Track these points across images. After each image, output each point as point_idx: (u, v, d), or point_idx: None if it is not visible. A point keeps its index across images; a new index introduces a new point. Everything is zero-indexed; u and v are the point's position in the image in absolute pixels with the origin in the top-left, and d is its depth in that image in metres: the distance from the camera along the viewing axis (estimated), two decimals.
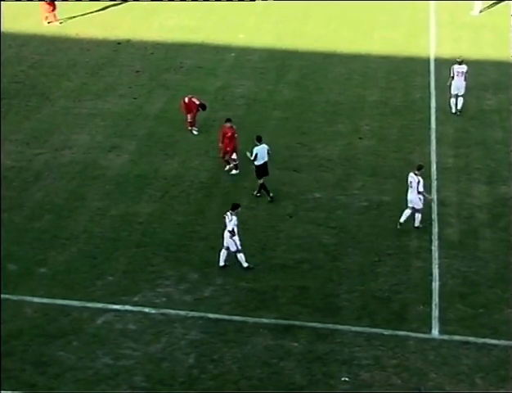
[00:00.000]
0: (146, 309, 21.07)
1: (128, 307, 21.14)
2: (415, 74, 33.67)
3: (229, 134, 26.64)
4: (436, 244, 23.51)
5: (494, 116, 30.50)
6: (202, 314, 20.91)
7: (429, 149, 28.30)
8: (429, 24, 37.75)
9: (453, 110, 30.49)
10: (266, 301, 21.39)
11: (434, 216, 24.71)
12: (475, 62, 34.22)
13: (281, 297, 21.53)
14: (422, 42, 36.19)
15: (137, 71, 34.01)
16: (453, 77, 29.98)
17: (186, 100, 28.88)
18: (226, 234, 22.19)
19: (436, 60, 34.62)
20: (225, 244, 22.26)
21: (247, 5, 40.03)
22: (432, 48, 35.68)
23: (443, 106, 31.04)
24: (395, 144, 28.76)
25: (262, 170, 25.30)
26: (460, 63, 30.01)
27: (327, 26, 37.91)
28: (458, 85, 29.98)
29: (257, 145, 25.15)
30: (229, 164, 26.94)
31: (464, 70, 29.96)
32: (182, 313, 20.97)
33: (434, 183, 26.31)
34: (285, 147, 28.45)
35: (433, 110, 30.80)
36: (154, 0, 39.91)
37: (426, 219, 24.52)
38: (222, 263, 22.40)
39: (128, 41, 36.53)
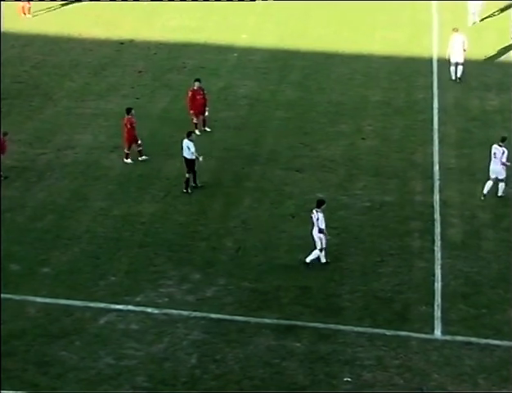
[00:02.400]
0: (149, 309, 21.07)
1: (130, 307, 21.14)
2: (417, 75, 33.66)
3: (129, 125, 27.01)
4: (438, 244, 23.50)
5: (497, 117, 30.48)
6: (204, 314, 20.91)
7: (432, 149, 28.28)
8: (432, 25, 37.72)
9: (453, 78, 32.40)
10: (268, 301, 21.38)
11: (437, 216, 24.69)
12: (478, 63, 34.28)
13: (284, 297, 21.53)
14: (425, 43, 36.17)
15: (140, 71, 34.03)
16: (452, 46, 32.03)
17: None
18: (316, 232, 22.08)
19: (439, 60, 34.58)
20: (318, 245, 22.19)
21: (248, 5, 40.03)
22: (434, 48, 35.65)
23: (446, 107, 31.04)
24: (398, 144, 28.76)
25: (193, 164, 25.59)
26: (457, 31, 32.28)
27: (329, 26, 37.91)
28: (456, 53, 31.99)
29: (190, 140, 25.40)
30: (141, 154, 27.30)
31: (462, 39, 32.09)
32: (185, 313, 20.97)
33: (437, 184, 26.30)
34: (287, 148, 28.45)
35: (435, 111, 30.79)
36: (157, 0, 39.93)
37: (428, 220, 24.52)
38: (323, 260, 22.40)
39: (131, 41, 36.56)
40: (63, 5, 39.77)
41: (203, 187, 25.83)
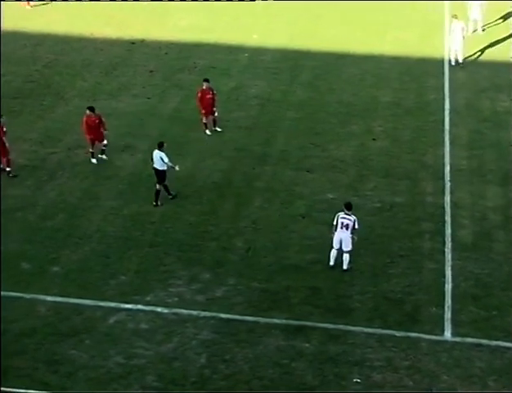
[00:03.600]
0: (158, 309, 21.11)
1: (140, 306, 21.18)
2: (428, 76, 33.59)
3: (95, 122, 27.01)
4: (449, 246, 23.44)
5: (508, 118, 30.38)
6: (214, 314, 20.93)
7: (443, 151, 28.22)
8: (444, 25, 37.63)
9: (453, 63, 33.66)
10: (278, 302, 21.38)
11: (448, 218, 24.63)
12: (490, 63, 34.19)
13: (293, 298, 21.53)
14: (436, 43, 36.06)
15: (151, 71, 34.08)
16: (451, 33, 33.67)
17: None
18: (347, 235, 22.03)
19: (450, 61, 34.50)
20: (346, 247, 22.15)
21: (259, 5, 40.00)
22: (446, 49, 35.54)
23: (457, 108, 30.97)
24: (408, 145, 28.70)
25: (164, 175, 25.01)
26: (457, 18, 33.51)
27: (339, 27, 37.87)
28: (456, 40, 33.36)
29: (161, 150, 24.85)
30: (104, 151, 27.37)
31: (462, 26, 33.46)
32: (194, 313, 20.99)
33: (448, 185, 26.23)
34: (298, 148, 28.44)
35: (446, 112, 30.71)
36: (168, 0, 39.99)
37: (439, 221, 24.47)
38: (345, 266, 22.32)
39: (142, 41, 36.62)
40: None
41: (177, 196, 25.27)
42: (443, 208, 25.06)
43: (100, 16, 38.76)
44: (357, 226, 22.15)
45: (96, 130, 27.18)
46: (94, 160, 27.37)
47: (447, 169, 27.16)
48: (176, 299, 21.43)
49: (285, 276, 22.19)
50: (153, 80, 33.33)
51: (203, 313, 20.95)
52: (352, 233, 22.14)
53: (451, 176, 26.74)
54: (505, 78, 33.19)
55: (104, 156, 27.51)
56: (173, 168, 25.02)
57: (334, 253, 22.37)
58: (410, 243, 23.58)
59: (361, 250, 23.24)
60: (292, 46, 36.05)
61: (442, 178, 26.62)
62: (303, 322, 20.71)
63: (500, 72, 33.58)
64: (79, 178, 26.67)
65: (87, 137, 27.26)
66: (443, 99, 31.66)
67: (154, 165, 25.08)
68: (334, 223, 22.28)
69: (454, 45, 33.84)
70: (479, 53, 35.06)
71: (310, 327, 20.55)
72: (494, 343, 20.05)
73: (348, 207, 22.32)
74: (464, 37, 33.69)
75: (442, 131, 29.45)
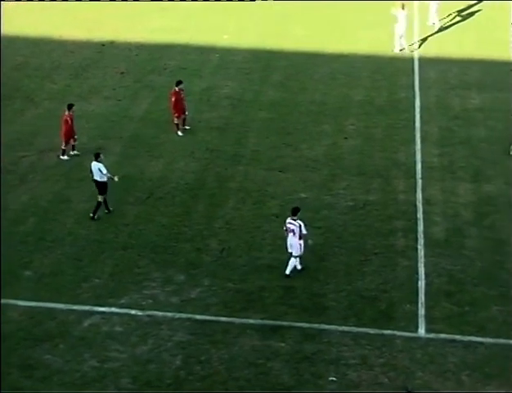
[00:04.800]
0: (133, 311, 21.02)
1: (114, 309, 21.08)
2: (399, 74, 33.77)
3: (70, 122, 27.23)
4: (422, 243, 23.58)
5: (478, 115, 30.64)
6: (189, 316, 20.88)
7: (414, 148, 28.38)
8: (413, 24, 37.85)
9: (396, 50, 34.92)
10: (252, 302, 21.38)
11: (420, 215, 24.77)
12: (459, 61, 34.44)
13: (268, 297, 21.53)
14: (406, 41, 36.24)
15: (122, 73, 33.93)
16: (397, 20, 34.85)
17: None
18: (295, 240, 21.79)
19: (420, 59, 34.73)
20: (294, 253, 21.94)
21: (230, 5, 40.00)
22: (416, 47, 35.78)
23: (428, 106, 31.17)
24: (380, 143, 28.83)
25: (105, 187, 24.53)
26: (403, 8, 34.70)
27: (311, 26, 37.94)
28: (401, 27, 34.86)
29: (98, 161, 24.40)
30: (74, 150, 27.60)
31: (405, 14, 34.88)
32: (169, 314, 20.93)
33: (419, 182, 26.38)
34: (270, 148, 28.47)
35: (417, 110, 30.90)
36: (137, 0, 39.85)
37: (411, 218, 24.59)
38: (288, 272, 22.10)
39: (112, 42, 36.45)
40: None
41: (113, 211, 24.70)
42: (415, 205, 25.20)
43: (69, 18, 38.50)
44: (304, 231, 21.70)
45: (72, 128, 27.42)
46: (66, 157, 27.50)
47: (419, 166, 27.31)
48: (150, 301, 21.35)
49: (259, 276, 22.20)
50: (124, 82, 33.19)
51: (178, 315, 20.89)
52: (300, 238, 21.75)
53: (422, 173, 26.90)
54: (474, 75, 33.47)
55: (76, 151, 27.67)
56: (112, 179, 24.46)
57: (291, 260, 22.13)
58: (383, 241, 23.68)
59: (335, 249, 23.31)
60: (263, 46, 36.06)
61: (414, 175, 26.77)
62: (278, 321, 20.72)
63: (469, 70, 33.86)
64: (51, 181, 26.49)
65: (65, 135, 27.31)
66: (414, 97, 31.85)
67: (94, 177, 24.52)
68: (284, 228, 22.10)
69: (399, 32, 34.99)
70: (448, 51, 35.31)
71: (285, 326, 20.57)
72: (467, 338, 20.20)
73: (294, 212, 21.91)
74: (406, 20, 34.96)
75: (414, 129, 29.61)
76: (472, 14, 38.95)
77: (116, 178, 24.58)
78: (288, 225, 21.93)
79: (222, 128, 29.84)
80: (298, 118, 30.48)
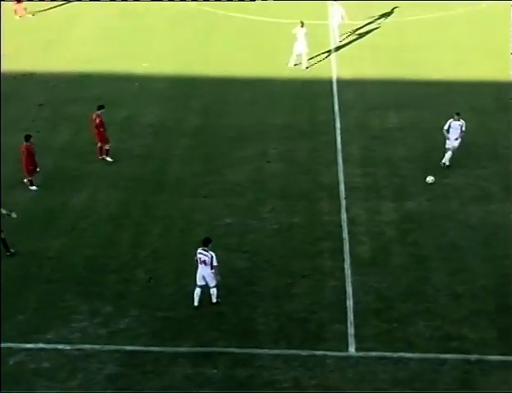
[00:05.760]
0: (60, 346, 20.59)
1: (41, 345, 20.61)
2: (319, 97, 34.21)
3: (26, 152, 27.14)
4: (348, 262, 23.82)
5: (397, 134, 31.24)
6: (118, 347, 20.57)
7: (337, 169, 28.73)
8: (330, 46, 38.48)
9: (290, 64, 36.15)
10: (183, 330, 21.21)
11: (345, 235, 25.04)
12: (376, 82, 35.11)
13: (198, 324, 21.40)
14: (324, 64, 36.81)
15: (40, 104, 33.46)
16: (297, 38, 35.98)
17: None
18: (208, 271, 21.51)
19: (338, 81, 35.28)
20: (210, 283, 21.65)
21: (149, 33, 39.98)
22: (334, 70, 36.36)
23: (348, 127, 31.63)
24: (303, 166, 29.09)
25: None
26: (302, 26, 35.88)
27: (230, 51, 38.18)
28: (301, 44, 35.88)
29: None
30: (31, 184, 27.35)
31: (304, 32, 35.79)
32: (98, 347, 20.58)
33: (343, 203, 26.69)
34: (194, 175, 28.42)
35: (338, 131, 31.33)
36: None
37: (337, 239, 24.83)
38: (214, 300, 21.88)
39: (29, 74, 35.90)
40: None
41: (16, 253, 23.92)
42: (341, 226, 25.47)
43: None
44: (215, 263, 21.42)
45: (33, 158, 27.20)
46: (34, 187, 27.25)
47: (342, 187, 27.65)
48: (78, 334, 20.97)
49: (188, 303, 22.03)
50: (42, 113, 32.72)
51: (107, 347, 20.56)
52: (211, 269, 21.52)
53: (346, 194, 27.23)
54: (392, 95, 34.14)
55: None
56: (9, 215, 23.80)
57: (197, 291, 21.75)
58: (310, 262, 23.83)
59: (263, 273, 23.34)
60: (184, 72, 36.09)
61: (338, 196, 27.07)
62: (209, 348, 20.59)
63: (386, 90, 34.52)
64: None
65: (28, 166, 27.07)
66: (334, 119, 32.29)
67: None
68: (195, 258, 21.83)
69: (297, 50, 35.99)
70: (364, 72, 35.98)
71: (217, 352, 20.45)
72: (397, 355, 20.43)
73: (205, 243, 21.69)
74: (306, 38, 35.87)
75: (335, 150, 29.99)
76: (383, 36, 39.79)
77: (14, 215, 23.99)
78: (199, 255, 21.67)
79: (144, 156, 29.67)
80: (220, 143, 30.54)
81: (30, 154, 27.24)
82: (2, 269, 23.31)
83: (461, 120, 28.23)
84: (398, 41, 39.09)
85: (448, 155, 28.41)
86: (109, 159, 29.09)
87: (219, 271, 21.71)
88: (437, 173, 28.15)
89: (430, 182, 27.16)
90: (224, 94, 34.41)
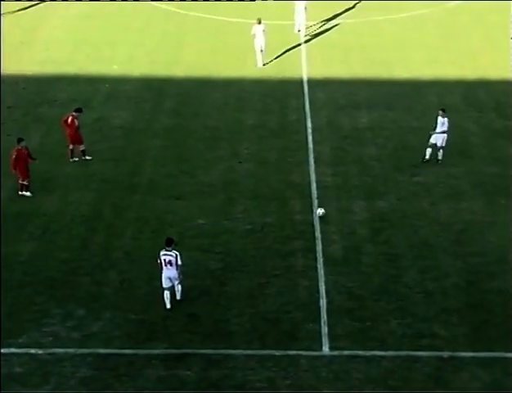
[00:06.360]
0: (33, 350, 20.47)
1: (13, 350, 20.48)
2: (290, 96, 34.30)
3: (26, 154, 26.92)
4: (321, 262, 23.92)
5: (368, 134, 31.40)
6: (91, 350, 20.50)
7: (308, 169, 28.83)
8: (301, 46, 38.58)
9: (259, 65, 36.19)
10: (156, 332, 21.18)
11: (318, 234, 25.14)
12: (347, 82, 35.27)
13: (171, 326, 21.38)
14: (295, 65, 36.90)
15: (9, 107, 33.21)
16: (255, 35, 36.19)
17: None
18: (174, 272, 21.47)
19: (309, 81, 35.39)
20: (179, 281, 21.67)
21: (120, 34, 39.85)
22: (304, 70, 36.46)
23: (319, 127, 31.75)
24: (275, 166, 29.17)
25: None
26: (259, 22, 36.04)
27: (201, 52, 38.16)
28: (259, 42, 36.12)
29: None
30: (22, 188, 26.96)
31: (263, 29, 36.02)
32: (71, 350, 20.50)
33: (315, 202, 26.80)
34: (166, 176, 28.38)
35: (309, 131, 31.44)
36: None
37: (309, 238, 24.92)
38: (179, 297, 21.87)
39: None
40: None
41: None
42: (313, 225, 25.57)
43: None
44: (179, 262, 21.46)
45: (26, 162, 26.85)
46: (29, 193, 26.87)
47: (314, 186, 27.76)
48: (50, 338, 20.86)
49: (161, 305, 22.00)
50: (12, 116, 32.48)
51: (80, 351, 20.48)
52: (177, 269, 21.53)
53: (318, 193, 27.34)
54: (362, 95, 34.31)
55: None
56: None
57: (166, 294, 21.71)
58: (283, 262, 23.90)
59: (236, 273, 23.38)
60: (154, 74, 36.03)
61: (310, 195, 27.18)
62: (182, 350, 20.59)
63: (357, 90, 34.69)
64: None
65: (18, 170, 26.70)
66: (305, 119, 32.40)
67: None
68: (158, 261, 21.79)
69: (258, 47, 36.11)
70: (335, 72, 36.12)
71: (190, 354, 20.45)
72: (370, 353, 20.56)
73: (168, 243, 21.66)
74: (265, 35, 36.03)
75: (307, 150, 30.10)
76: (356, 35, 39.98)
77: None
78: (163, 257, 21.59)
79: (116, 158, 29.57)
80: (192, 144, 30.53)
81: (19, 158, 26.71)
82: None
83: (445, 117, 28.44)
84: (369, 41, 39.30)
85: (428, 151, 28.64)
86: (88, 157, 29.02)
87: (183, 270, 21.75)
88: (407, 171, 28.40)
89: (321, 214, 25.59)
90: (195, 95, 34.38)
